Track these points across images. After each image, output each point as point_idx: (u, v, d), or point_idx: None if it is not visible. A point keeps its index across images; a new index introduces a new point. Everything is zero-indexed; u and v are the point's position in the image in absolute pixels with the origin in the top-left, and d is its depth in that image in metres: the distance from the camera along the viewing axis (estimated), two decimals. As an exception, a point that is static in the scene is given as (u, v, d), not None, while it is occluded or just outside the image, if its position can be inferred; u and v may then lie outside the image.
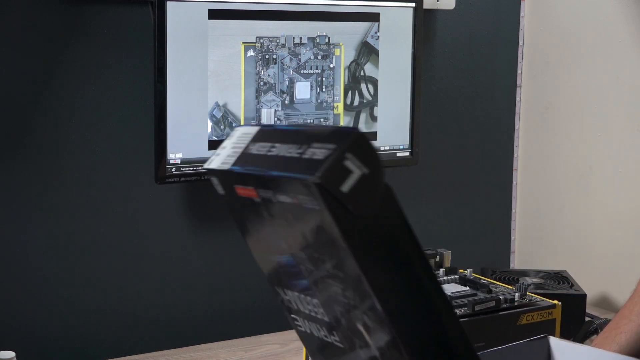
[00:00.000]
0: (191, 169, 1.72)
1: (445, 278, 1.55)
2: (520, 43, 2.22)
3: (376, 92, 1.90)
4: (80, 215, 1.75)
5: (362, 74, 1.88)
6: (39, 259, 1.73)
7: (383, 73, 1.90)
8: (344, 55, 1.85)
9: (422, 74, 1.97)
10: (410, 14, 1.91)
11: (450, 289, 1.49)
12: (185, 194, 1.84)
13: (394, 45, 1.90)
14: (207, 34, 1.70)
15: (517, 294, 1.47)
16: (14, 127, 1.69)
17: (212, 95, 1.72)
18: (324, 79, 1.84)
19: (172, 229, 1.84)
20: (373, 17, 1.87)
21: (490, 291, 1.49)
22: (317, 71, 1.82)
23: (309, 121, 1.83)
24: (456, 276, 1.57)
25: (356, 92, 1.88)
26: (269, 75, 1.78)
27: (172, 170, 1.70)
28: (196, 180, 1.73)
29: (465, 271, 1.59)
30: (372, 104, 1.90)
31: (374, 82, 1.90)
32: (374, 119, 1.91)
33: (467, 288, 1.50)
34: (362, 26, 1.86)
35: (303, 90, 1.82)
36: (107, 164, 1.77)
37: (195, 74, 1.70)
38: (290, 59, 1.80)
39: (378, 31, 1.88)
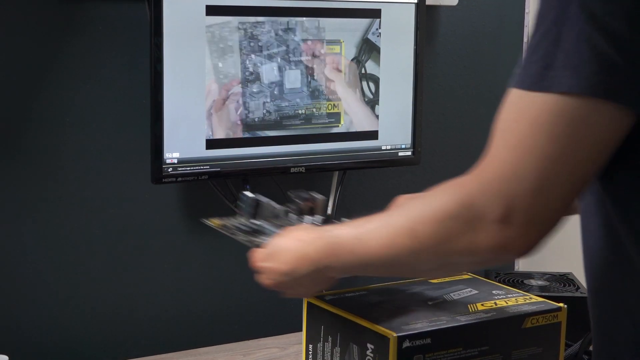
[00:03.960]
0: (188, 169, 1.69)
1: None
2: (525, 40, 2.20)
3: (377, 90, 1.87)
4: (76, 216, 1.74)
5: (363, 71, 1.85)
6: (34, 260, 1.71)
7: (384, 71, 1.87)
8: (345, 53, 1.82)
9: (425, 72, 1.95)
10: (412, 11, 1.88)
11: None
12: (183, 195, 1.83)
13: (396, 43, 1.88)
14: (205, 31, 1.68)
15: None
16: (7, 126, 1.67)
17: (209, 93, 1.70)
18: (315, 65, 1.80)
19: (169, 230, 1.83)
20: (374, 14, 1.84)
21: None
22: (307, 57, 1.78)
23: (300, 112, 1.80)
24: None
25: (357, 90, 1.85)
26: (254, 64, 1.73)
27: (169, 170, 1.68)
28: (193, 181, 1.71)
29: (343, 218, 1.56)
30: (374, 102, 1.88)
31: (375, 80, 1.87)
32: (375, 117, 1.88)
33: None
34: (363, 23, 1.84)
35: (293, 78, 1.78)
36: (103, 164, 1.75)
37: (193, 71, 1.68)
38: (278, 46, 1.75)
39: (379, 28, 1.85)
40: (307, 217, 1.53)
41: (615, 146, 0.92)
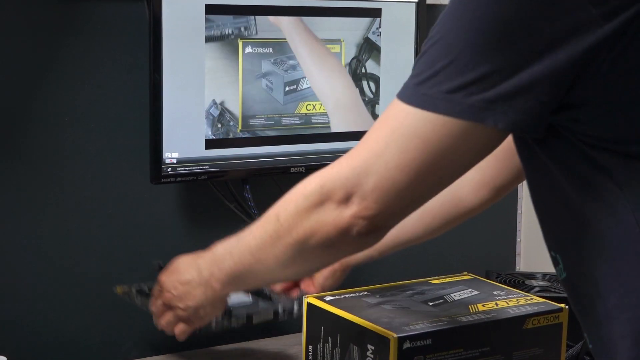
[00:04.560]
0: (187, 169, 1.68)
1: None
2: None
3: (378, 90, 1.86)
4: (74, 216, 1.72)
5: (363, 71, 1.84)
6: (32, 261, 1.70)
7: (385, 70, 1.86)
8: (345, 52, 1.81)
9: (425, 72, 1.93)
10: (412, 10, 1.87)
11: (232, 299, 1.48)
12: (182, 195, 1.82)
13: (396, 42, 1.87)
14: (204, 30, 1.67)
15: (295, 304, 1.46)
16: (6, 126, 1.66)
17: (209, 92, 1.69)
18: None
19: (168, 230, 1.82)
20: (374, 13, 1.83)
21: (270, 299, 1.51)
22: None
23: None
24: None
25: (357, 89, 1.84)
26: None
27: (168, 170, 1.67)
28: (192, 181, 1.70)
29: None
30: (374, 101, 1.87)
31: (376, 80, 1.86)
32: (375, 117, 1.87)
33: (249, 298, 1.53)
34: (363, 22, 1.83)
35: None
36: (102, 164, 1.74)
37: (192, 71, 1.67)
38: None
39: (380, 27, 1.84)
40: None
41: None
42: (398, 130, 0.96)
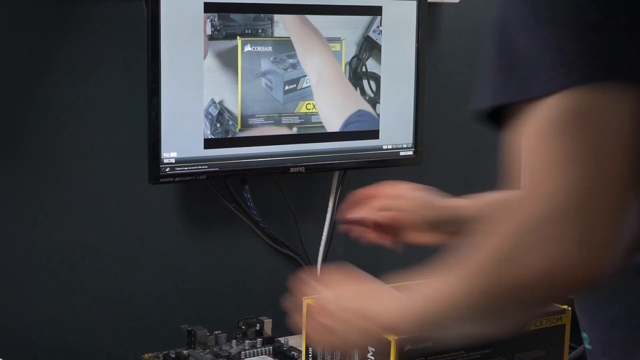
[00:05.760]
0: (186, 168, 1.67)
1: (260, 349, 1.56)
2: (528, 38, 2.18)
3: (378, 89, 1.85)
4: (72, 216, 1.72)
5: (363, 70, 1.83)
6: (29, 261, 1.69)
7: (386, 69, 1.85)
8: (345, 51, 1.80)
9: (427, 70, 1.93)
10: (413, 8, 1.86)
11: None
12: (180, 195, 1.81)
13: (397, 40, 1.86)
14: (203, 29, 1.66)
15: None
16: (3, 125, 1.65)
17: (207, 92, 1.68)
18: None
19: (167, 230, 1.81)
20: (375, 11, 1.82)
21: None
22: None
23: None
24: (271, 346, 1.59)
25: (358, 88, 1.83)
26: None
27: (166, 170, 1.66)
28: (191, 181, 1.69)
29: (282, 340, 1.63)
30: (375, 101, 1.86)
31: (376, 79, 1.85)
32: (376, 116, 1.86)
33: None
34: (363, 20, 1.82)
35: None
36: (100, 164, 1.73)
37: (191, 70, 1.66)
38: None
39: (380, 25, 1.83)
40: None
41: None
42: (546, 130, 0.87)
